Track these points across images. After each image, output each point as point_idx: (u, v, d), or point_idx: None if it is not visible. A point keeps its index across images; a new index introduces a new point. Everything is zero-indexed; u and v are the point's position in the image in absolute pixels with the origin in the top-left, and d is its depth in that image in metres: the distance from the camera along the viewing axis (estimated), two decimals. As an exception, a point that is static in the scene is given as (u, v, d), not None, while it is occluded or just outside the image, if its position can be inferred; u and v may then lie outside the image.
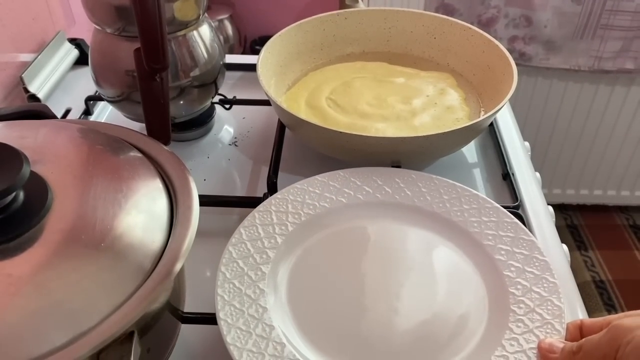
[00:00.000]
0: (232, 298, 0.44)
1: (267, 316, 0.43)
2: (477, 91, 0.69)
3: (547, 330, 0.42)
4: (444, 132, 0.55)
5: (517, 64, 0.63)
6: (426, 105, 0.65)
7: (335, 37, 0.75)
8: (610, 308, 1.47)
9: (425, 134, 0.55)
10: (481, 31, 0.69)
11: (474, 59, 0.70)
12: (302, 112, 0.65)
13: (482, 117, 0.57)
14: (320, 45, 0.74)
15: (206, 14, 0.62)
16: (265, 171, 0.60)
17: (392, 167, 0.57)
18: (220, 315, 0.42)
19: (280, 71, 0.70)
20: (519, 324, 0.43)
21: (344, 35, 0.75)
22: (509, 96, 0.59)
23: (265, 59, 0.66)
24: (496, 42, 0.67)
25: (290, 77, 0.72)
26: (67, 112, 0.73)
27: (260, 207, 0.52)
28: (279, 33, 0.69)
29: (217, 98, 0.69)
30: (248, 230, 0.49)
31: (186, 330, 0.47)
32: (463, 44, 0.71)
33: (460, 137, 0.58)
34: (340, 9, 0.95)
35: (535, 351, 0.41)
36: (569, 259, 0.56)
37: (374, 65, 0.73)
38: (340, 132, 0.55)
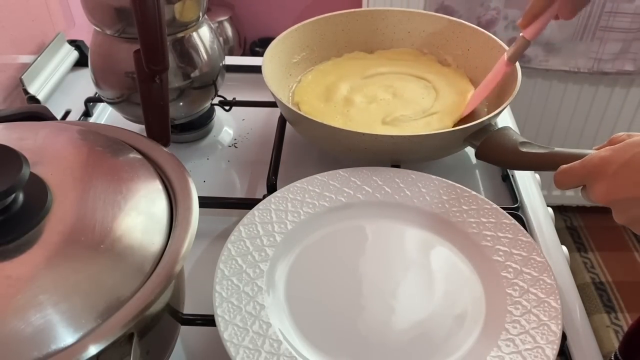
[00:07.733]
0: (230, 295, 0.44)
1: (265, 313, 0.43)
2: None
3: (544, 332, 0.42)
4: (442, 132, 0.55)
5: (516, 66, 0.63)
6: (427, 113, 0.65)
7: (384, 35, 0.75)
8: (610, 309, 1.47)
9: (423, 133, 0.55)
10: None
11: (505, 85, 0.65)
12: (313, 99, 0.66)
13: (482, 119, 0.57)
14: (364, 41, 0.75)
15: (206, 16, 0.62)
16: (264, 173, 0.60)
17: (392, 167, 0.57)
18: (218, 311, 0.43)
19: (309, 49, 0.72)
20: (516, 325, 0.43)
21: (392, 35, 0.75)
22: (509, 100, 0.59)
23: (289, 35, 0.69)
24: (518, 66, 0.64)
25: (322, 55, 0.73)
26: (67, 113, 0.73)
27: (260, 205, 0.52)
28: (327, 14, 0.72)
29: (216, 100, 0.69)
30: (247, 228, 0.50)
31: (186, 332, 0.47)
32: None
33: (460, 138, 0.58)
34: None
35: (530, 352, 0.41)
36: (569, 260, 0.56)
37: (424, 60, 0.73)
38: (336, 128, 0.55)
